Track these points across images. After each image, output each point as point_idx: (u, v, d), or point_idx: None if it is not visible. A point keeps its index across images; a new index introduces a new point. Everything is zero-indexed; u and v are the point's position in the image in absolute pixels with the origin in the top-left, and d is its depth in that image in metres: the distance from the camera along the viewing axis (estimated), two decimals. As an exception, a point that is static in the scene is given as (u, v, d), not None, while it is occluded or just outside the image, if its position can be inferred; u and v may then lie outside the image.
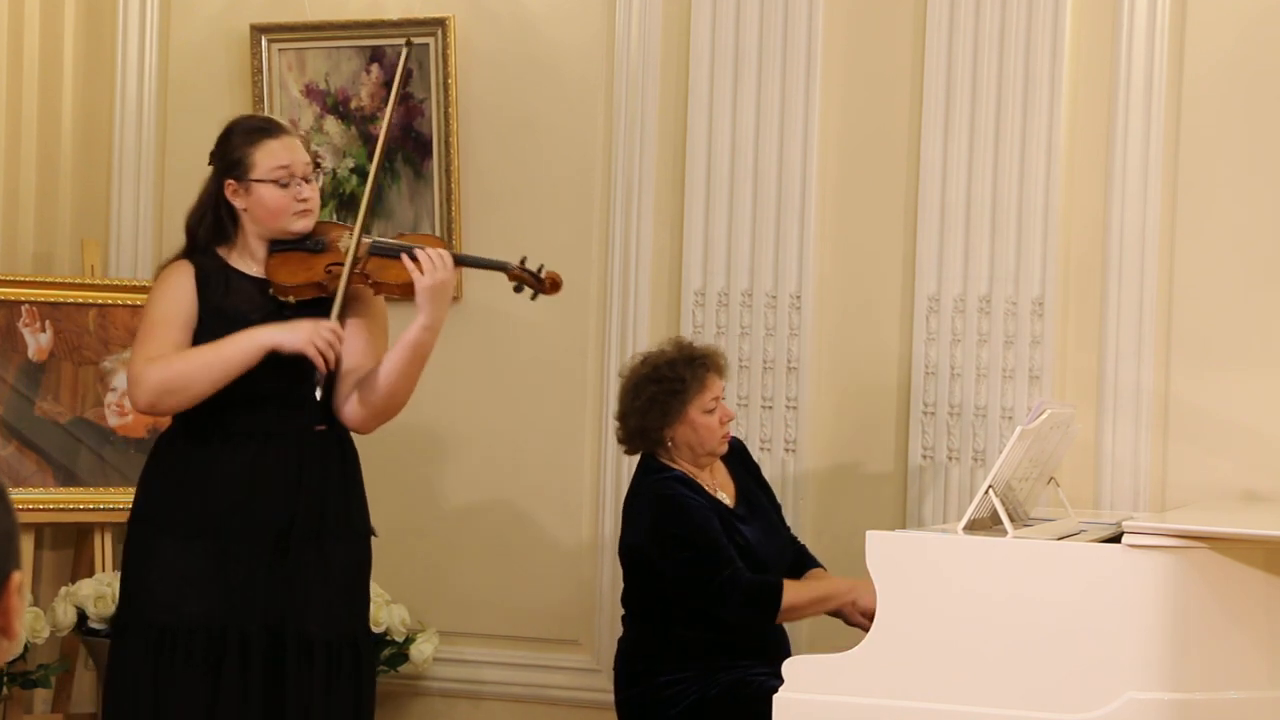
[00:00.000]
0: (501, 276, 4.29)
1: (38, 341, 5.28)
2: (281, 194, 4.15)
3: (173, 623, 4.05)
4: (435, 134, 5.44)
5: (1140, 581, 3.68)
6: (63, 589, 5.17)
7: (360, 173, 5.52)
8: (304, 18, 5.59)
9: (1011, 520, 3.81)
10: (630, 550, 4.54)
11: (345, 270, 4.13)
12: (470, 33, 5.46)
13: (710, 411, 4.51)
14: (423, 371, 4.20)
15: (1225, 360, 4.88)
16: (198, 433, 4.14)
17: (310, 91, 5.58)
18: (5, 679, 5.06)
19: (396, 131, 5.48)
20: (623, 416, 4.60)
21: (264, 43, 5.59)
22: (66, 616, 5.09)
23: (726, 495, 4.59)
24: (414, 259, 4.11)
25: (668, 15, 5.29)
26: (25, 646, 5.05)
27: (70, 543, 5.45)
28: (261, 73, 5.59)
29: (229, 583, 4.05)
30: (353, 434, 4.26)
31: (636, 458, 4.62)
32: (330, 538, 4.14)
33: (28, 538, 5.23)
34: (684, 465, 4.54)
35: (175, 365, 4.05)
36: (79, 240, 5.60)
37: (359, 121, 5.54)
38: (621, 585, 4.56)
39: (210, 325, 4.12)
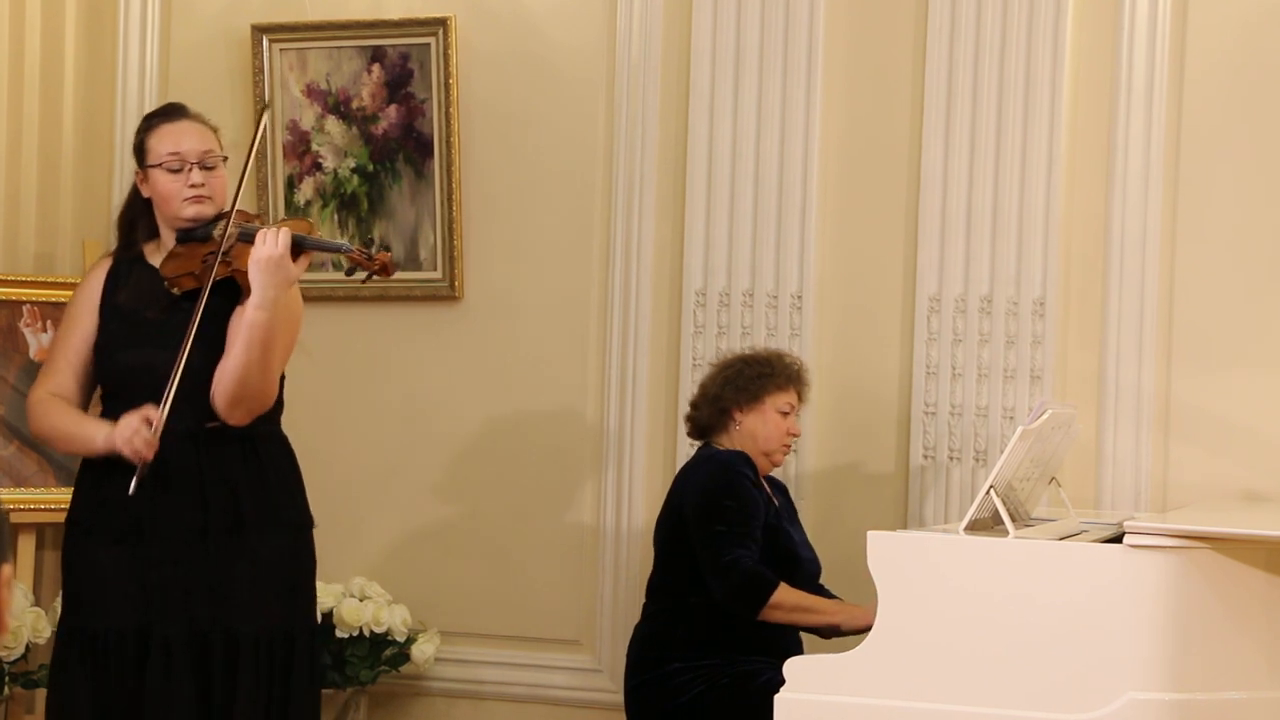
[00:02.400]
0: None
1: (39, 341, 5.28)
2: (173, 179, 4.09)
3: (100, 627, 4.01)
4: (436, 134, 5.44)
5: (1141, 582, 3.68)
6: (64, 589, 5.17)
7: (360, 172, 5.53)
8: (305, 18, 5.59)
9: (1013, 520, 3.81)
10: (667, 518, 4.55)
11: (216, 259, 4.02)
12: (470, 33, 5.46)
13: (782, 414, 4.58)
14: (270, 357, 3.99)
15: (1225, 361, 4.88)
16: None
17: (311, 91, 5.58)
18: (6, 679, 5.06)
19: (397, 131, 5.49)
20: (702, 393, 4.65)
21: (265, 43, 5.59)
22: (67, 616, 5.09)
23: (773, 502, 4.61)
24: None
25: (668, 15, 5.29)
26: (26, 646, 5.05)
27: (71, 543, 5.45)
28: (262, 73, 5.59)
29: (149, 586, 3.99)
30: (273, 430, 4.16)
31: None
32: (253, 532, 4.05)
33: (28, 538, 5.24)
34: None
35: (43, 423, 4.14)
36: (80, 240, 5.59)
37: (360, 121, 5.54)
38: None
39: (109, 321, 4.12)
